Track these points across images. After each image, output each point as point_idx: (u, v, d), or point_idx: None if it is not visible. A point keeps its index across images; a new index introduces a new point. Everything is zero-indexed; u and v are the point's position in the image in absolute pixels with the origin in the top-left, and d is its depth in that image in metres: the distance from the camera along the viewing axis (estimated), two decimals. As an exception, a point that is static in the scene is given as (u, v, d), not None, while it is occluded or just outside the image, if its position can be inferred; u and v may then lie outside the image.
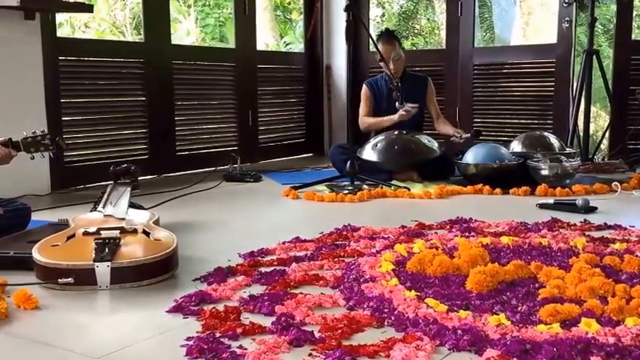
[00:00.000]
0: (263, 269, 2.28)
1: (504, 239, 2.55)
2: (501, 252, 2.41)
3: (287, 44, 8.03)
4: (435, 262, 2.16)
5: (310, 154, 6.02)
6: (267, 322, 1.77)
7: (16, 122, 3.62)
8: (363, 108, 4.55)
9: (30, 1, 3.51)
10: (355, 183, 3.95)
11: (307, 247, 2.59)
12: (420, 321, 1.72)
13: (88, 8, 4.03)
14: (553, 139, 4.31)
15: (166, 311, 1.89)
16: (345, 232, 2.81)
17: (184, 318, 1.84)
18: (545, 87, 5.23)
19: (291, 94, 5.93)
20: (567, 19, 5.03)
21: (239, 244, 2.63)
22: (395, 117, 4.28)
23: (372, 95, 4.53)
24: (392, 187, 3.89)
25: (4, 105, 3.66)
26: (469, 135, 4.36)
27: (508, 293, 1.93)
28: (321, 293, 1.99)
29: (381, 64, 4.35)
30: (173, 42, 5.02)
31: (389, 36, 4.43)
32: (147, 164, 4.37)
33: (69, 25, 6.18)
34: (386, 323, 1.76)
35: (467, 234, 2.73)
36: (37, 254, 2.14)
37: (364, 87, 4.58)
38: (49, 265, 2.09)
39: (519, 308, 1.80)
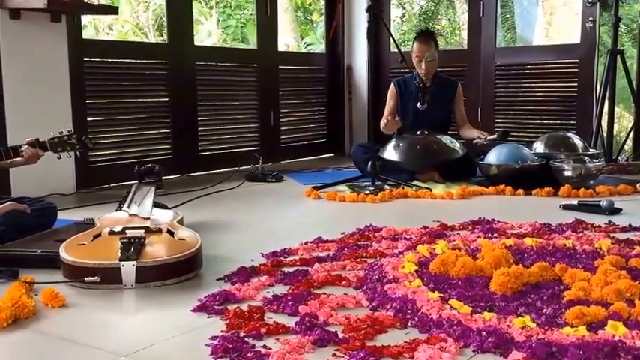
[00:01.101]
0: (286, 269, 2.29)
1: (528, 241, 2.54)
2: (525, 253, 2.40)
3: (307, 45, 8.05)
4: (458, 263, 2.16)
5: (331, 155, 6.03)
6: (290, 322, 1.77)
7: (42, 122, 3.69)
8: (386, 108, 4.52)
9: (57, 3, 3.56)
10: (376, 183, 3.94)
11: (329, 247, 2.60)
12: (444, 322, 1.72)
13: (113, 10, 4.09)
14: (576, 140, 4.27)
15: (191, 310, 1.91)
16: (367, 233, 2.82)
17: (208, 317, 1.86)
18: (569, 87, 5.18)
19: (313, 94, 5.94)
20: (591, 18, 4.98)
21: (262, 243, 2.65)
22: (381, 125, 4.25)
23: (398, 94, 4.47)
24: (413, 188, 3.88)
25: (31, 105, 3.72)
26: (495, 136, 4.32)
27: (533, 295, 1.93)
28: (344, 293, 2.00)
29: (414, 63, 4.31)
30: (196, 43, 5.05)
31: (427, 36, 4.38)
32: (170, 164, 4.41)
33: (93, 26, 6.25)
34: (409, 324, 1.76)
35: (489, 235, 2.72)
36: (65, 253, 2.17)
37: (391, 85, 4.53)
38: (76, 263, 2.12)
39: (544, 310, 1.79)
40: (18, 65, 3.65)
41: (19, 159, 2.58)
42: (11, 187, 3.56)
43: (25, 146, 2.53)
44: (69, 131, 2.61)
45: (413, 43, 4.32)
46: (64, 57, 3.88)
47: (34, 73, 3.73)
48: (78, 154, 2.64)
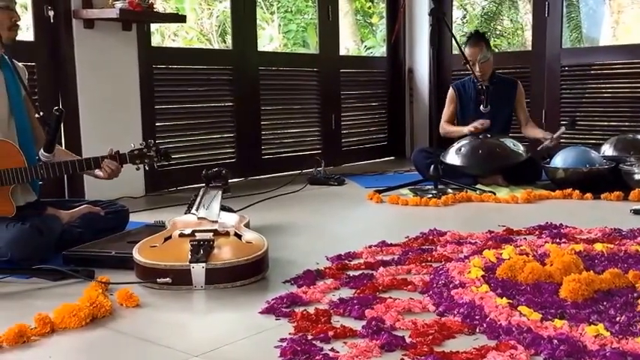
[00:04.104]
0: (351, 273, 2.31)
1: (598, 246, 2.48)
2: (595, 259, 2.34)
3: (368, 48, 8.05)
4: (526, 268, 2.12)
5: (392, 158, 6.02)
6: (357, 325, 1.79)
7: (114, 128, 3.84)
8: (445, 112, 4.48)
9: (128, 12, 3.69)
10: (439, 187, 3.92)
11: (394, 251, 2.60)
12: (514, 329, 1.70)
13: (181, 18, 4.20)
14: (646, 142, 4.14)
15: (259, 312, 1.94)
16: (431, 237, 2.81)
17: (276, 319, 1.89)
18: (638, 88, 5.02)
19: (374, 97, 5.96)
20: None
21: (326, 246, 2.67)
22: (464, 129, 4.22)
23: (457, 98, 4.45)
24: (477, 191, 3.84)
25: (104, 112, 3.86)
26: (562, 130, 4.23)
27: (605, 303, 1.88)
28: (410, 298, 2.00)
29: (468, 66, 4.29)
30: (258, 49, 5.13)
31: (476, 38, 4.35)
32: (234, 167, 4.48)
33: (159, 33, 6.41)
34: (477, 330, 1.75)
35: (557, 240, 2.67)
36: (138, 255, 2.24)
37: (450, 89, 4.51)
38: (148, 265, 2.19)
39: (618, 319, 1.75)
40: (92, 73, 3.80)
41: (99, 173, 2.63)
42: (85, 190, 3.70)
43: (107, 160, 2.60)
44: (148, 143, 2.66)
45: (460, 49, 4.28)
46: (135, 64, 4.01)
47: (107, 80, 3.87)
48: (156, 166, 2.69)
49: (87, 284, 2.14)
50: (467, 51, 4.25)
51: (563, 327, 1.68)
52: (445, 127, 4.44)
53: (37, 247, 2.43)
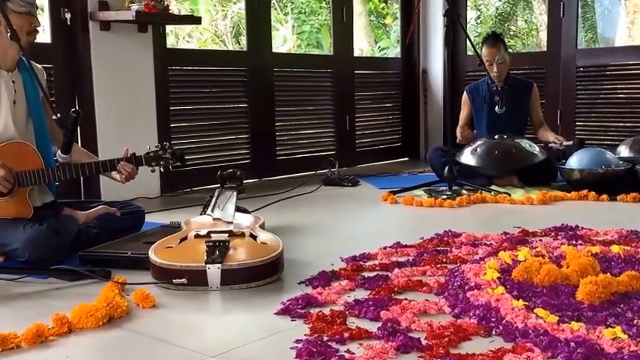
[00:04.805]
0: (366, 274, 2.30)
1: (615, 248, 2.46)
2: (612, 262, 2.33)
3: (382, 49, 8.04)
4: (542, 270, 2.11)
5: (406, 159, 6.01)
6: (372, 327, 1.79)
7: (129, 128, 3.86)
8: (460, 116, 4.48)
9: (144, 15, 3.71)
10: (453, 188, 3.90)
11: (408, 252, 2.60)
12: (530, 332, 1.69)
13: (196, 20, 4.22)
14: (664, 143, 4.11)
15: (275, 313, 1.95)
16: (446, 238, 2.80)
17: (292, 320, 1.89)
18: (653, 89, 4.99)
19: (388, 98, 5.95)
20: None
21: (340, 247, 2.67)
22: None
23: (470, 102, 4.43)
24: (492, 193, 3.83)
25: (119, 112, 3.89)
26: (571, 143, 4.22)
27: (622, 305, 1.87)
28: (426, 300, 2.00)
29: (484, 67, 4.27)
30: (273, 50, 5.14)
31: (494, 39, 4.33)
32: (248, 168, 4.49)
33: (173, 35, 6.45)
34: (494, 332, 1.74)
35: (574, 242, 2.66)
36: (154, 255, 2.25)
37: (464, 93, 4.49)
38: (164, 265, 2.21)
39: (635, 322, 1.73)
40: (107, 74, 3.82)
41: (116, 175, 2.66)
42: (101, 191, 3.73)
43: (123, 162, 2.63)
44: (164, 145, 2.68)
45: (481, 49, 4.27)
46: (150, 65, 4.04)
47: (122, 82, 3.90)
48: (171, 167, 2.72)
49: (103, 284, 2.16)
50: (484, 51, 4.24)
51: (580, 330, 1.67)
52: (460, 134, 4.41)
53: (54, 247, 2.45)
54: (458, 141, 4.38)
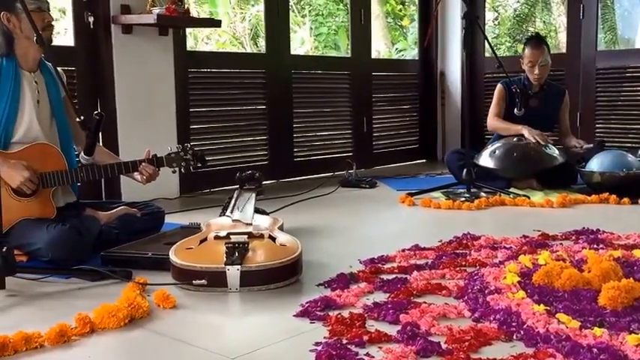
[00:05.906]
0: (384, 276, 2.30)
1: (637, 253, 2.44)
2: (634, 266, 2.30)
3: (399, 51, 8.03)
4: (563, 275, 2.10)
5: (423, 160, 6.00)
6: (392, 330, 1.79)
7: (150, 130, 3.89)
8: (494, 107, 4.34)
9: (165, 18, 3.74)
10: (472, 190, 3.89)
11: (427, 255, 2.59)
12: (552, 337, 1.67)
13: (217, 23, 4.24)
14: (685, 146, 4.06)
15: (294, 315, 1.95)
16: (465, 241, 2.79)
17: (311, 322, 1.90)
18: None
19: (405, 100, 5.94)
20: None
21: (358, 250, 2.67)
22: (524, 131, 4.08)
23: (507, 96, 4.29)
24: (511, 195, 3.80)
25: (140, 114, 3.92)
26: (592, 145, 4.18)
27: (645, 311, 1.86)
28: (445, 303, 1.99)
29: (525, 68, 4.23)
30: (291, 52, 5.16)
31: (538, 41, 4.29)
32: (266, 170, 4.50)
33: (192, 37, 6.48)
34: (515, 337, 1.73)
35: (595, 246, 2.63)
36: (174, 256, 2.27)
37: (500, 86, 4.34)
38: (184, 266, 2.22)
39: (659, 327, 1.72)
40: (129, 77, 3.86)
41: (137, 176, 2.69)
42: (121, 191, 3.76)
43: (144, 163, 2.65)
44: (185, 146, 2.71)
45: (523, 50, 4.24)
46: (171, 68, 4.07)
47: (143, 84, 3.93)
48: (192, 169, 2.74)
49: (124, 285, 2.18)
50: (527, 52, 4.20)
51: (603, 335, 1.66)
52: (495, 123, 4.29)
53: (76, 247, 2.47)
54: (490, 129, 4.31)
